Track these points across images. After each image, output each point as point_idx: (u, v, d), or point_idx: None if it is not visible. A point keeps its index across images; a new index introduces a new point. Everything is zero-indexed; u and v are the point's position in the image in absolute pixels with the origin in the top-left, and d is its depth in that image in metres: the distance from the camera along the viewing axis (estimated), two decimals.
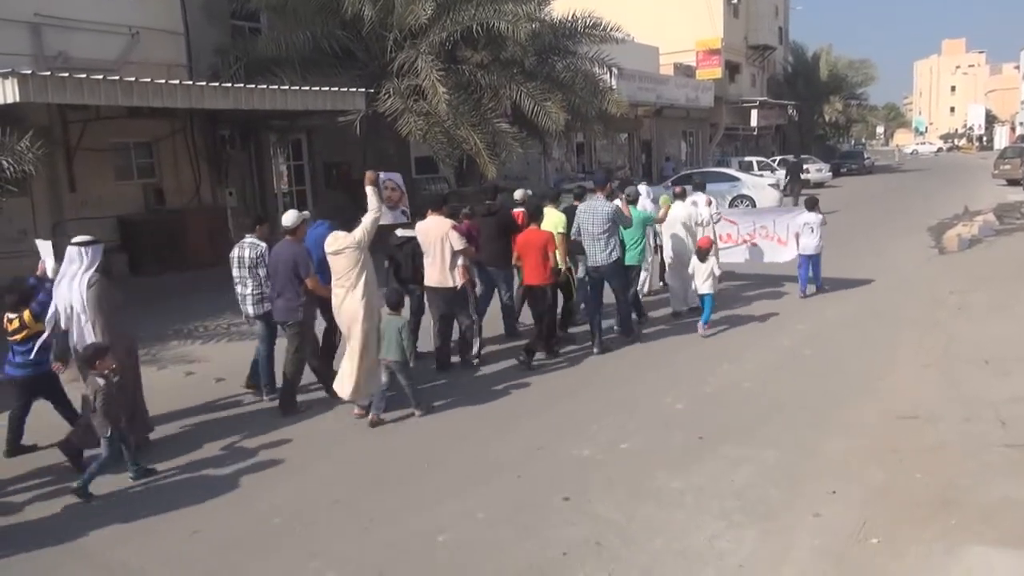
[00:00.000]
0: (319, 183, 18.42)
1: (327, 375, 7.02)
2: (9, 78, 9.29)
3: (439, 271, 7.58)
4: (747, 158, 33.49)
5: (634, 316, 9.25)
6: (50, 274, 6.13)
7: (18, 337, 5.88)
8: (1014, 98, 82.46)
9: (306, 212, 7.18)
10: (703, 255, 8.94)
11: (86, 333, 5.63)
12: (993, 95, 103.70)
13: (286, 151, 17.93)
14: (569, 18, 18.19)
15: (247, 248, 7.00)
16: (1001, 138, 72.38)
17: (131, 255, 13.47)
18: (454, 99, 14.84)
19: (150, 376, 7.13)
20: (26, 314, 5.89)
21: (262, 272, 6.92)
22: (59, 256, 5.92)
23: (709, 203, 10.43)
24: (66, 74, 10.21)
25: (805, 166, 30.92)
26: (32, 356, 5.86)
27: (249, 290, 6.99)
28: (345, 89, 13.85)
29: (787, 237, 10.79)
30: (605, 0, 23.52)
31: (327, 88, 13.56)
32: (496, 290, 8.82)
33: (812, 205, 11.01)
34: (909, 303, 10.19)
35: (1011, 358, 7.39)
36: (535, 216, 8.16)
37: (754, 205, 20.86)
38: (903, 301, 10.33)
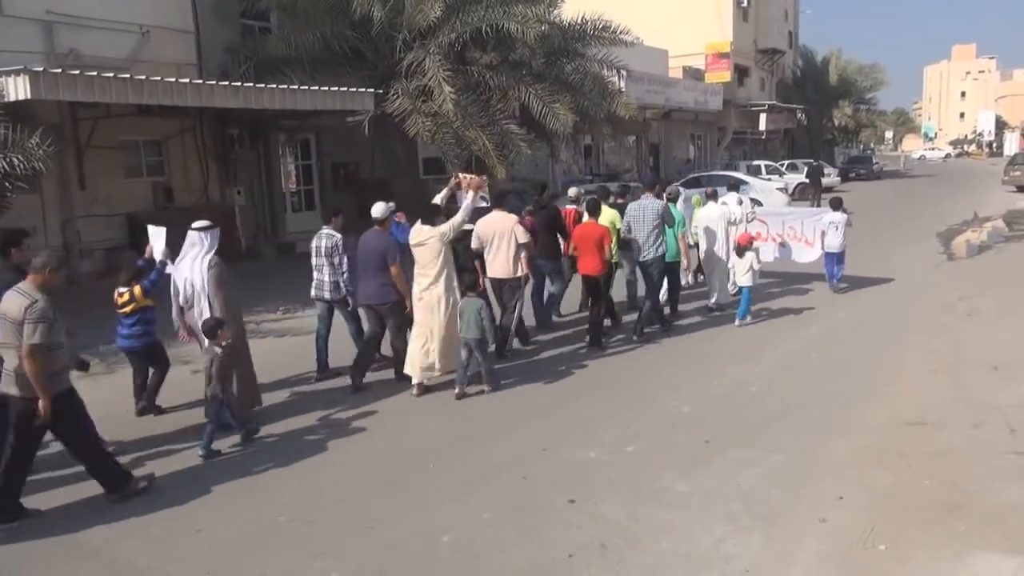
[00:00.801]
0: (327, 183, 18.46)
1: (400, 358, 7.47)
2: (20, 75, 9.33)
3: (504, 262, 8.01)
4: (755, 162, 33.47)
5: (666, 311, 9.73)
6: (158, 256, 6.68)
7: (127, 310, 6.53)
8: None
9: (392, 204, 7.66)
10: (741, 251, 9.45)
11: (205, 309, 6.26)
12: (1003, 101, 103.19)
13: (295, 151, 17.99)
14: (578, 20, 18.17)
15: (324, 238, 7.58)
16: (1011, 144, 72.05)
17: (140, 253, 13.46)
18: (463, 100, 14.86)
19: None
20: (136, 289, 6.52)
21: (337, 260, 7.51)
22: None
23: (740, 203, 11.00)
24: (77, 72, 10.26)
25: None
26: (137, 328, 6.54)
27: (326, 276, 7.59)
28: (354, 89, 13.88)
29: (813, 238, 11.32)
30: (614, 3, 23.58)
31: (336, 88, 13.58)
32: (546, 280, 9.40)
33: (837, 205, 11.54)
34: (917, 308, 10.14)
35: (1019, 364, 7.35)
36: (594, 210, 8.71)
37: None
38: (911, 306, 10.29)
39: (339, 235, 7.62)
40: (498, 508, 4.87)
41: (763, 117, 40.95)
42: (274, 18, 16.89)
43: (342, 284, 7.57)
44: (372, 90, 14.27)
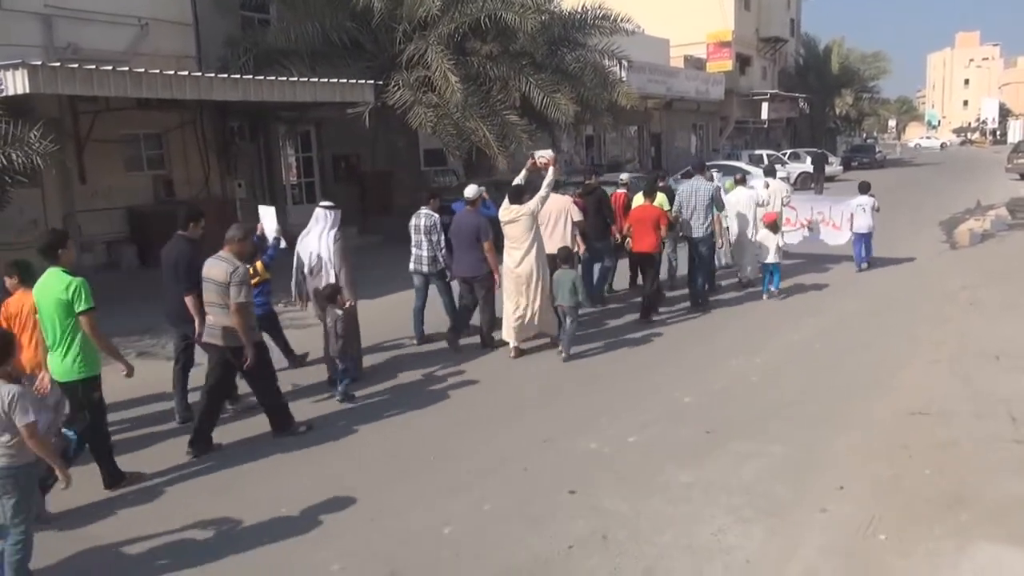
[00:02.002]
0: (328, 175, 18.42)
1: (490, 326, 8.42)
2: (19, 69, 9.28)
3: (560, 239, 8.52)
4: (758, 151, 33.36)
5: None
6: (270, 234, 7.42)
7: (252, 284, 6.90)
8: None
9: (483, 187, 8.72)
10: (773, 228, 10.27)
11: (330, 276, 7.16)
12: (1007, 88, 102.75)
13: (295, 143, 17.94)
14: (579, 10, 18.09)
15: (423, 217, 8.43)
16: (1015, 132, 71.68)
17: (140, 246, 13.50)
18: (463, 91, 14.80)
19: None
20: (258, 264, 7.05)
21: (435, 237, 8.35)
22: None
23: (766, 186, 11.74)
24: (76, 65, 10.21)
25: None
26: (260, 299, 6.95)
27: (424, 252, 8.42)
28: (354, 81, 13.81)
29: (841, 222, 12.12)
30: None
31: (336, 80, 13.52)
32: (600, 258, 10.09)
33: (865, 189, 12.22)
34: (920, 298, 10.12)
35: (1022, 354, 7.33)
36: (651, 193, 9.45)
37: None
38: (914, 296, 10.27)
39: (437, 215, 8.47)
40: (500, 500, 4.87)
41: (765, 106, 40.75)
42: (274, 10, 16.82)
43: (440, 258, 8.38)
44: (372, 82, 14.21)
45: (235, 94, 11.98)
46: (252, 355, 5.68)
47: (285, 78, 12.93)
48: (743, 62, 40.22)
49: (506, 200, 8.08)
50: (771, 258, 10.18)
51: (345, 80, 13.70)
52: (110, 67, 10.39)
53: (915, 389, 6.65)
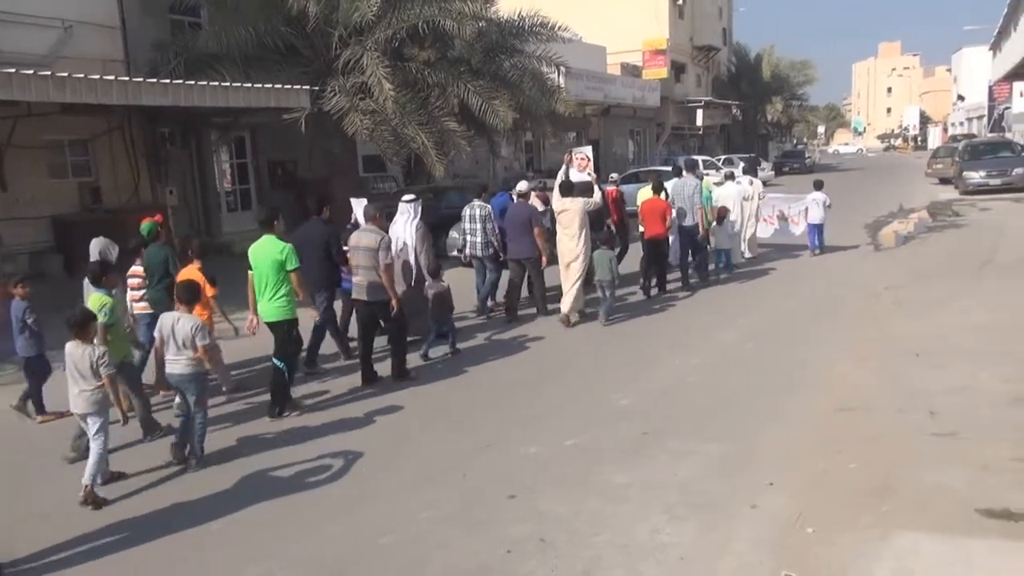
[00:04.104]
0: (264, 181, 18.11)
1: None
2: None
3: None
4: (694, 157, 34.07)
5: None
6: (362, 223, 8.07)
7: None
8: (947, 100, 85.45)
9: (534, 182, 10.88)
10: (720, 219, 12.22)
11: (411, 259, 8.55)
12: (927, 96, 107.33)
13: (230, 149, 17.58)
14: (516, 17, 18.16)
15: (477, 208, 10.03)
16: (934, 138, 74.89)
17: (66, 256, 13.02)
18: (401, 97, 14.69)
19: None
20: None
21: (490, 225, 9.90)
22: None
23: (751, 183, 13.98)
24: None
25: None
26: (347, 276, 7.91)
27: (479, 238, 9.97)
28: (289, 86, 13.62)
29: (798, 217, 14.41)
30: (553, 0, 23.67)
31: (270, 85, 13.31)
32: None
33: (819, 186, 14.23)
34: (847, 298, 10.49)
35: (941, 351, 7.67)
36: (659, 189, 11.12)
37: None
38: (842, 296, 10.64)
39: (489, 205, 10.06)
40: (438, 507, 4.86)
41: (700, 113, 41.75)
42: (205, 13, 16.44)
43: (493, 242, 9.87)
44: (308, 87, 14.03)
45: (164, 99, 11.68)
46: (396, 306, 7.16)
47: (217, 83, 12.66)
48: (678, 70, 41.10)
49: (556, 193, 9.63)
50: (722, 243, 12.31)
51: (280, 85, 13.49)
52: (31, 71, 10.03)
53: (842, 386, 6.89)
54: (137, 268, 7.37)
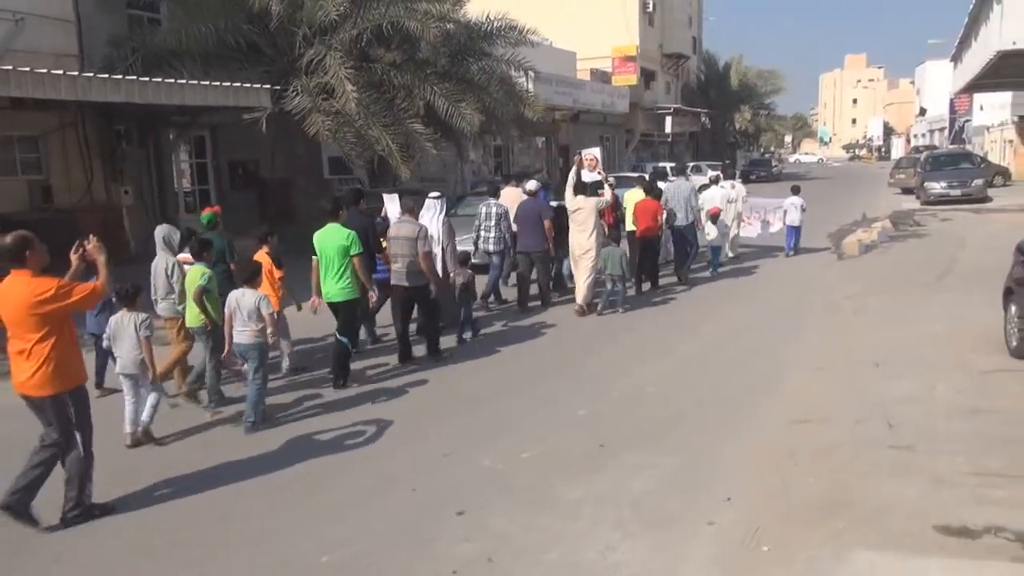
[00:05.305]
0: (224, 182, 17.73)
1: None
2: None
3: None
4: (661, 164, 34.21)
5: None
6: (393, 218, 8.76)
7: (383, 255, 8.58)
8: (910, 112, 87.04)
9: (541, 181, 11.69)
10: (714, 219, 13.21)
11: (438, 252, 8.67)
12: (891, 108, 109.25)
13: (189, 148, 17.19)
14: (484, 20, 18.03)
15: (493, 207, 10.76)
16: (897, 149, 76.25)
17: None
18: (365, 98, 14.50)
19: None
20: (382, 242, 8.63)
21: (504, 223, 10.59)
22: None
23: (733, 187, 14.62)
24: None
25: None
26: (383, 266, 8.52)
27: (492, 234, 10.64)
28: (249, 85, 13.33)
29: (774, 219, 15.23)
30: (523, 4, 23.60)
31: (229, 84, 13.01)
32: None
33: (796, 191, 15.17)
34: (807, 307, 10.49)
35: (899, 361, 7.66)
36: (652, 190, 11.84)
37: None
38: (802, 305, 10.64)
39: (505, 205, 10.76)
40: (385, 523, 4.67)
41: (669, 120, 41.95)
42: (164, 9, 16.09)
43: (506, 238, 10.58)
44: (269, 87, 13.75)
45: (117, 96, 11.34)
46: (433, 289, 7.88)
47: (173, 80, 12.33)
48: (648, 77, 41.30)
49: (570, 192, 10.28)
50: (716, 240, 13.24)
51: (239, 84, 13.21)
52: None
53: (801, 397, 6.82)
54: (186, 255, 7.42)
